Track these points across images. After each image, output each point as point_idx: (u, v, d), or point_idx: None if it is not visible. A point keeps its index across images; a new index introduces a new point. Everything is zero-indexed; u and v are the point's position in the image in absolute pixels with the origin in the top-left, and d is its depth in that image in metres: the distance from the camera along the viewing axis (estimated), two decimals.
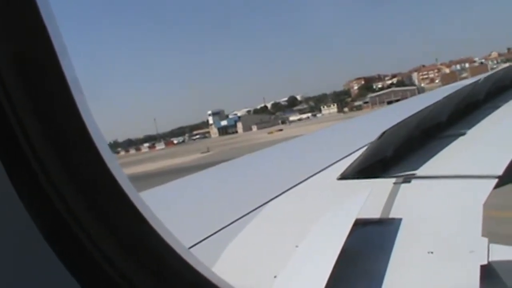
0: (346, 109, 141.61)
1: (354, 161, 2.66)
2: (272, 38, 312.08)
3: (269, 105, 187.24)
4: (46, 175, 0.80)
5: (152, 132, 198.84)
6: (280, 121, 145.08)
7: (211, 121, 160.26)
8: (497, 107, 4.15)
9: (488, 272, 1.38)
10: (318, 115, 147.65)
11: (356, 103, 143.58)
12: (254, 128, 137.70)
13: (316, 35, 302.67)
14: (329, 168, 2.87)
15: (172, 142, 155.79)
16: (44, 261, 0.80)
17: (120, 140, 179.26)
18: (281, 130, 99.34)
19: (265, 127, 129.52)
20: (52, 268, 0.80)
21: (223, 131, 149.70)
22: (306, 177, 2.74)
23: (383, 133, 2.62)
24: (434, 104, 3.33)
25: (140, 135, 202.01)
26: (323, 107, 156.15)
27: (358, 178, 2.55)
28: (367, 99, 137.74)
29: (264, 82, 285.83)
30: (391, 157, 2.78)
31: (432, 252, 1.54)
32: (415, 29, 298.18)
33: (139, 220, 0.86)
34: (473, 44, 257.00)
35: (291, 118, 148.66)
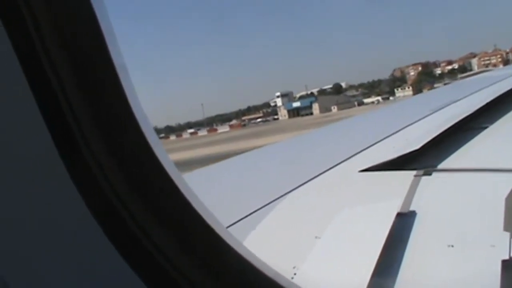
0: (425, 91, 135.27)
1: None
2: (312, 26, 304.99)
3: (315, 92, 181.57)
4: (96, 162, 0.82)
5: (191, 119, 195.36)
6: (356, 103, 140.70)
7: (279, 103, 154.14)
8: None
9: (509, 267, 1.34)
10: (391, 98, 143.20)
11: (436, 85, 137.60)
12: (334, 109, 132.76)
13: (358, 25, 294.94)
14: (351, 159, 2.88)
15: (239, 125, 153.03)
16: (95, 244, 0.83)
17: (159, 126, 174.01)
18: None
19: (343, 108, 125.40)
20: (100, 249, 0.83)
21: (293, 113, 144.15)
22: (328, 167, 2.74)
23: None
24: None
25: (172, 122, 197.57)
26: (397, 89, 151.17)
27: (379, 170, 2.51)
28: (447, 81, 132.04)
29: (304, 70, 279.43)
30: (413, 150, 2.75)
31: (452, 246, 1.51)
32: (462, 18, 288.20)
33: (181, 200, 0.87)
34: None
35: (366, 101, 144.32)
